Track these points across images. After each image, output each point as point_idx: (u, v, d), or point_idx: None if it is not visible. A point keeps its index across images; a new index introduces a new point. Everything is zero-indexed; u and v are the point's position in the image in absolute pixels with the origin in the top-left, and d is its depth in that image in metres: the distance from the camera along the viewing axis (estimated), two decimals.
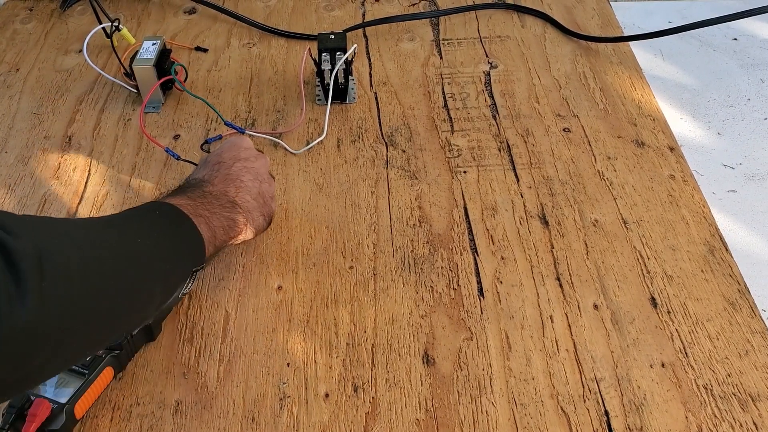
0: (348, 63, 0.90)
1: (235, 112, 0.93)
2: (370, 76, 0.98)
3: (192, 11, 1.11)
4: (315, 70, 0.93)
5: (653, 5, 1.11)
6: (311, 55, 0.92)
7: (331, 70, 0.90)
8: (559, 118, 0.90)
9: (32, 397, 0.56)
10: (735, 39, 1.01)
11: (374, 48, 1.03)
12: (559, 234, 0.75)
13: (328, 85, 0.91)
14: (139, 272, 0.52)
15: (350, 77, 0.93)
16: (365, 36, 1.06)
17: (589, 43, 1.02)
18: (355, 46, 0.90)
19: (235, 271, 0.72)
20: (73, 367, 0.59)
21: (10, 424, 0.54)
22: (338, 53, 0.89)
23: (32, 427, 0.54)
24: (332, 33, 0.91)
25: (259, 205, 0.68)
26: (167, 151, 0.84)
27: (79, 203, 0.80)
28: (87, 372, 0.59)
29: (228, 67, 1.00)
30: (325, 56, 0.89)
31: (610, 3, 1.12)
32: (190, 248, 0.59)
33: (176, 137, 0.89)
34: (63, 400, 0.57)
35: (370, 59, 1.01)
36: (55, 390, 0.57)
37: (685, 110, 0.88)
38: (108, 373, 0.61)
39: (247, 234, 0.67)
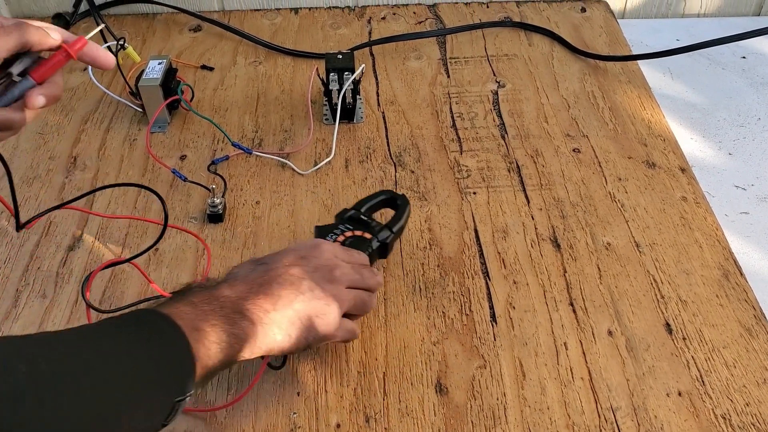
0: (356, 83, 0.90)
1: (242, 132, 0.92)
2: (378, 95, 0.97)
3: (197, 29, 1.11)
4: (322, 89, 0.92)
5: (660, 22, 1.11)
6: (319, 75, 0.91)
7: (339, 90, 0.89)
8: (569, 139, 0.89)
9: None
10: (743, 57, 1.00)
11: (381, 66, 1.03)
12: (572, 257, 0.74)
13: (336, 105, 0.90)
14: (100, 404, 0.42)
15: (358, 97, 0.93)
16: (372, 54, 1.05)
17: (598, 61, 1.02)
18: (362, 65, 0.90)
19: None
20: None
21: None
22: (346, 73, 0.89)
23: None
24: (340, 53, 0.91)
25: (293, 323, 0.56)
26: (174, 173, 0.83)
27: (84, 225, 0.79)
28: None
29: (234, 86, 0.99)
30: (333, 76, 0.89)
31: (617, 21, 1.11)
32: (174, 375, 0.48)
33: (183, 158, 0.88)
34: None
35: (377, 78, 1.00)
36: None
37: (695, 130, 0.87)
38: None
39: (251, 350, 0.54)
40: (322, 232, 0.68)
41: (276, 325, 0.55)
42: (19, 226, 0.65)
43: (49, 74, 0.56)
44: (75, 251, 0.76)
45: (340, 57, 0.90)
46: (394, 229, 0.69)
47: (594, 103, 0.95)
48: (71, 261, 0.75)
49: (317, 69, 0.91)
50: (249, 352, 0.54)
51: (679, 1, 1.15)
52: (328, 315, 0.57)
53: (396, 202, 0.72)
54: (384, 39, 1.05)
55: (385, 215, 0.71)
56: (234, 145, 0.86)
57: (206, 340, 0.50)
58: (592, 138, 0.89)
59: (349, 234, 0.67)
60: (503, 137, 0.90)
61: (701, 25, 1.12)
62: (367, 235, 0.67)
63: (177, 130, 0.92)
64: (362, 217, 0.69)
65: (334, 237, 0.67)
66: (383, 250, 0.68)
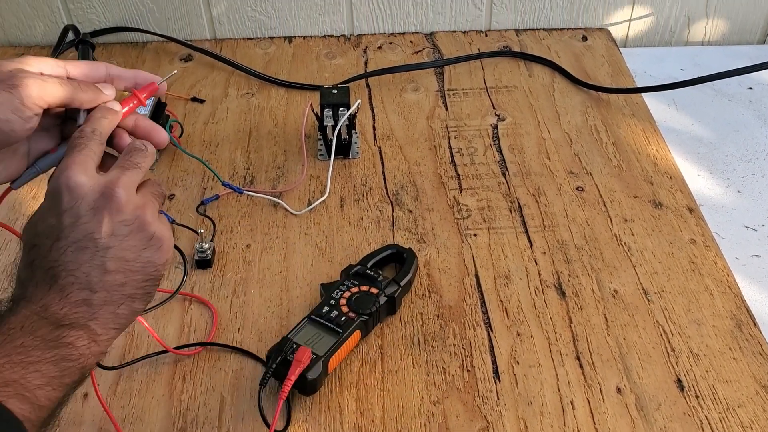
0: (351, 118, 0.87)
1: (233, 169, 0.89)
2: (374, 129, 0.94)
3: (188, 58, 1.08)
4: (316, 124, 0.89)
5: (664, 51, 1.09)
6: (313, 110, 0.88)
7: (334, 127, 0.86)
8: (572, 176, 0.86)
9: (295, 345, 0.61)
10: (750, 88, 0.98)
11: (377, 98, 1.00)
12: (577, 306, 0.71)
13: (331, 140, 0.87)
14: None
15: (354, 131, 0.90)
16: (368, 86, 1.02)
17: (600, 93, 0.99)
18: (359, 101, 0.87)
19: (231, 351, 0.68)
20: (329, 325, 0.64)
21: (277, 365, 0.60)
22: (341, 109, 0.86)
23: (297, 370, 0.59)
24: (335, 87, 0.88)
25: (120, 285, 0.46)
26: (162, 213, 0.79)
27: None
28: (341, 331, 0.63)
29: (226, 120, 0.96)
30: (328, 112, 0.86)
31: (620, 49, 1.09)
32: None
33: (171, 197, 0.84)
34: (321, 353, 0.61)
35: (373, 111, 0.97)
36: (314, 344, 0.62)
37: (703, 165, 0.84)
38: (356, 335, 0.65)
39: (100, 348, 0.46)
40: (327, 289, 0.69)
41: (110, 305, 0.45)
42: None
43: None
44: None
45: (335, 92, 0.87)
46: (402, 283, 0.68)
47: (597, 138, 0.92)
48: None
49: (311, 104, 0.88)
50: (99, 355, 0.46)
51: (683, 28, 1.13)
52: (151, 246, 0.47)
53: (402, 256, 0.72)
54: (380, 70, 1.02)
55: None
56: (224, 184, 0.82)
57: (27, 392, 0.41)
58: (595, 175, 0.86)
59: (355, 290, 0.67)
60: (504, 174, 0.87)
61: (706, 54, 1.09)
62: (374, 290, 0.67)
63: (165, 167, 0.88)
64: (368, 272, 0.69)
65: (340, 293, 0.67)
66: (391, 306, 0.67)
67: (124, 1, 1.08)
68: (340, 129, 0.86)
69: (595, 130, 0.93)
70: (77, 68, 0.52)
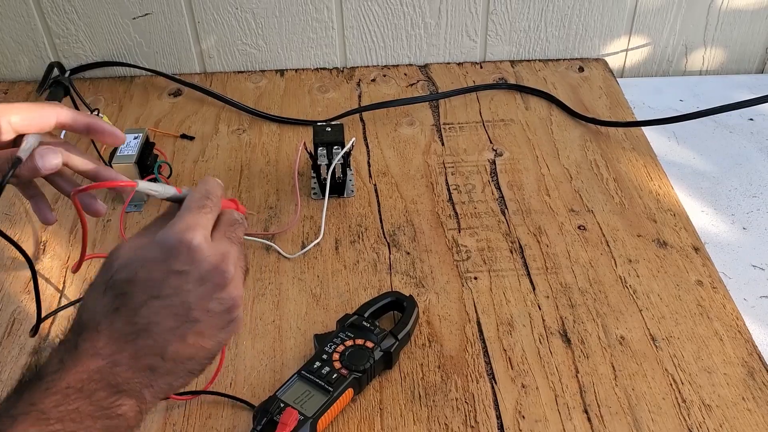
0: (346, 156, 0.84)
1: None
2: (369, 165, 0.92)
3: (177, 93, 1.05)
4: (310, 162, 0.86)
5: (662, 81, 1.07)
6: (306, 149, 0.86)
7: (328, 166, 0.84)
8: (573, 214, 0.84)
9: (282, 405, 0.58)
10: (751, 119, 0.96)
11: (372, 133, 0.97)
12: (584, 354, 0.68)
13: (325, 180, 0.84)
14: None
15: (348, 169, 0.87)
16: (362, 120, 1.00)
17: (599, 126, 0.97)
18: (353, 139, 0.84)
19: (223, 406, 0.65)
20: (320, 382, 0.61)
21: (263, 427, 0.57)
22: (335, 147, 0.83)
23: None
24: (328, 124, 0.85)
25: (188, 358, 0.45)
26: None
27: (51, 323, 0.72)
28: (332, 390, 0.60)
29: (216, 158, 0.93)
30: (322, 150, 0.83)
31: (617, 80, 1.07)
32: None
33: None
34: (309, 414, 0.58)
35: (368, 146, 0.95)
36: (302, 403, 0.59)
37: (706, 201, 0.82)
38: (349, 393, 0.62)
39: (141, 417, 0.44)
40: (321, 341, 0.66)
41: (170, 376, 0.44)
42: None
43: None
44: (42, 354, 0.69)
45: (329, 130, 0.85)
46: (399, 336, 0.65)
47: (597, 174, 0.90)
48: None
49: (305, 143, 0.86)
50: (137, 425, 0.43)
51: (681, 58, 1.11)
52: (229, 328, 0.46)
53: (402, 304, 0.68)
54: (374, 105, 1.00)
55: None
56: None
57: None
58: (597, 213, 0.84)
59: (349, 343, 0.64)
60: (503, 212, 0.84)
61: (705, 84, 1.08)
62: (369, 344, 0.64)
63: (154, 208, 0.86)
64: (365, 323, 0.66)
65: (333, 347, 0.64)
66: (387, 360, 0.64)
67: (110, 35, 1.06)
68: (334, 168, 0.83)
69: (595, 165, 0.91)
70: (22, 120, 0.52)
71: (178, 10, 1.04)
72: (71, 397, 0.40)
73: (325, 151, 0.83)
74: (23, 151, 0.50)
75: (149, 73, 1.07)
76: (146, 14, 1.04)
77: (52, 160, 0.50)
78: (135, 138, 0.85)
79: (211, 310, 0.45)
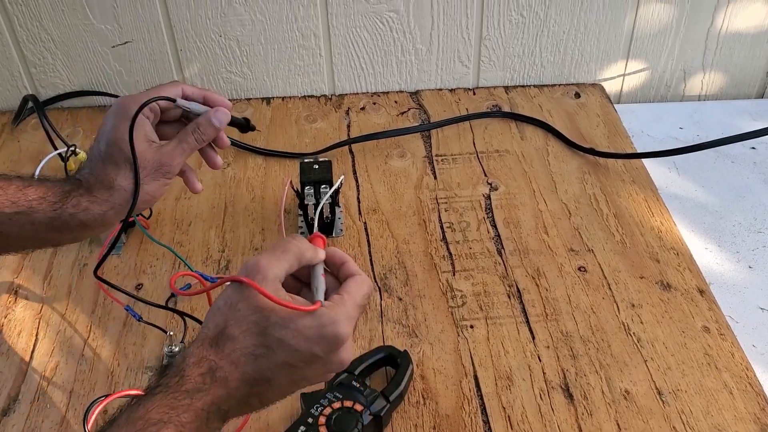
0: (335, 194, 0.80)
1: (207, 251, 0.82)
2: (359, 201, 0.88)
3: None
4: (297, 199, 0.83)
5: (660, 108, 1.04)
6: (293, 187, 0.82)
7: (316, 205, 0.80)
8: (573, 254, 0.80)
9: None
10: (753, 148, 0.93)
11: (361, 166, 0.93)
12: (587, 411, 0.65)
13: (312, 220, 0.80)
14: None
15: (337, 207, 0.83)
16: (351, 152, 0.96)
17: (597, 158, 0.94)
18: (342, 177, 0.81)
19: None
20: None
21: None
22: (323, 186, 0.79)
23: None
24: (316, 161, 0.82)
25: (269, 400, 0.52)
26: (127, 310, 0.73)
27: (22, 382, 0.68)
28: None
29: (199, 194, 0.89)
30: (309, 190, 0.79)
31: (614, 106, 1.04)
32: None
33: (139, 287, 0.77)
34: None
35: (357, 180, 0.91)
36: None
37: (709, 237, 0.79)
38: None
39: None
40: (308, 401, 0.61)
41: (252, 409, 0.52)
42: None
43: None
44: (9, 416, 0.65)
45: (317, 167, 0.81)
46: (391, 398, 0.60)
47: (597, 209, 0.86)
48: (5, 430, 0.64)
49: (291, 181, 0.82)
50: None
51: (679, 82, 1.08)
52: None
53: (396, 360, 0.64)
54: (364, 136, 0.96)
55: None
56: (196, 273, 0.75)
57: None
58: (598, 253, 0.80)
59: (337, 405, 0.60)
60: (500, 252, 0.81)
61: (704, 110, 1.05)
62: (358, 407, 0.60)
63: (133, 251, 0.81)
64: (354, 382, 0.61)
65: (320, 409, 0.60)
66: (378, 425, 0.60)
67: (89, 64, 1.01)
68: (322, 208, 0.80)
69: (594, 199, 0.88)
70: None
71: (159, 38, 1.00)
72: (201, 417, 0.46)
73: (312, 191, 0.79)
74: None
75: None
76: (126, 42, 1.00)
77: (223, 116, 0.66)
78: None
79: (322, 375, 0.52)
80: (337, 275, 0.54)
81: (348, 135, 0.99)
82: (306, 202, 0.80)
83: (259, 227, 0.85)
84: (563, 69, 1.06)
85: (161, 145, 0.63)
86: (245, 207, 0.88)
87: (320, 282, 0.52)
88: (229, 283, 0.50)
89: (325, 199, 0.79)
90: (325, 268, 0.54)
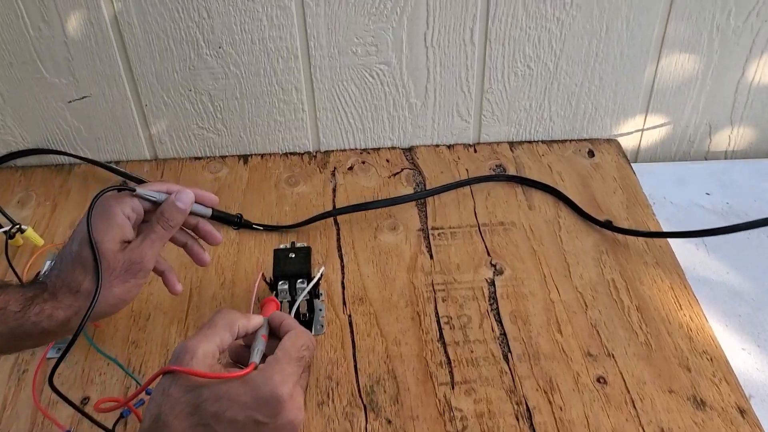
0: (314, 287, 0.69)
1: (166, 353, 0.71)
2: (343, 288, 0.77)
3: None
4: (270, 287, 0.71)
5: (684, 169, 0.93)
6: (265, 280, 0.71)
7: (291, 302, 0.69)
8: (590, 360, 0.69)
9: None
10: None
11: (347, 242, 0.82)
12: None
13: (289, 312, 0.69)
14: None
15: (317, 300, 0.72)
16: (336, 224, 0.85)
17: (616, 233, 0.82)
18: (322, 269, 0.70)
19: None
20: None
21: None
22: (300, 281, 0.68)
23: None
24: (292, 248, 0.71)
25: None
26: None
27: None
28: None
29: (160, 279, 0.78)
30: (283, 285, 0.68)
31: (632, 166, 0.93)
32: None
33: (85, 401, 0.66)
34: None
35: (342, 260, 0.80)
36: None
37: (746, 335, 0.69)
38: None
39: None
40: None
41: None
42: None
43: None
44: None
45: (293, 256, 0.70)
46: None
47: (617, 300, 0.75)
48: None
49: (263, 274, 0.71)
50: None
51: (704, 138, 0.97)
52: None
53: None
54: (351, 207, 0.85)
55: None
56: (148, 393, 0.64)
57: None
58: (619, 358, 0.69)
59: None
60: (506, 358, 0.69)
61: (733, 172, 0.93)
62: None
63: (81, 354, 0.70)
64: None
65: None
66: None
67: (44, 120, 0.90)
68: (298, 306, 0.68)
69: (614, 287, 0.76)
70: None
71: (121, 92, 0.89)
72: None
73: (286, 286, 0.68)
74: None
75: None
76: (84, 97, 0.89)
77: (186, 196, 0.61)
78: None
79: None
80: (280, 337, 0.53)
81: (333, 201, 0.88)
82: (280, 299, 0.69)
83: None
84: (575, 123, 0.95)
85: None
86: (213, 295, 0.76)
87: (258, 342, 0.52)
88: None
89: (301, 297, 0.68)
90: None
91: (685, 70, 0.90)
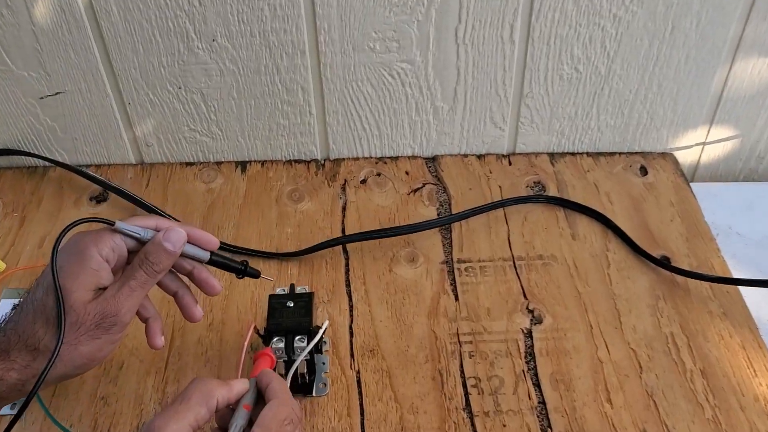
0: (318, 343, 0.57)
1: (140, 413, 0.60)
2: (351, 334, 0.65)
3: (101, 199, 0.78)
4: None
5: (752, 190, 0.81)
6: (257, 332, 0.59)
7: (287, 363, 0.57)
8: None
9: None
10: None
11: (358, 276, 0.70)
12: None
13: (285, 376, 0.58)
14: None
15: (319, 354, 0.61)
16: (345, 252, 0.73)
17: (675, 274, 0.70)
18: (325, 324, 0.58)
19: None
20: None
21: None
22: (299, 338, 0.57)
23: None
24: (291, 295, 0.59)
25: None
26: None
27: None
28: None
29: (135, 322, 0.66)
30: (278, 342, 0.56)
31: (690, 186, 0.79)
32: None
33: None
34: None
35: (351, 299, 0.68)
36: None
37: None
38: None
39: None
40: None
41: None
42: None
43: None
44: None
45: (291, 306, 0.58)
46: None
47: (677, 361, 0.63)
48: None
49: (255, 326, 0.59)
50: None
51: None
52: None
53: None
54: (362, 234, 0.73)
55: None
56: None
57: None
58: None
59: None
60: None
61: None
62: None
63: (38, 413, 0.59)
64: None
65: None
66: None
67: (12, 117, 0.79)
68: (297, 369, 0.57)
69: (673, 343, 0.64)
70: None
71: (100, 88, 0.76)
72: None
73: (282, 344, 0.56)
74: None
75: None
76: (57, 93, 0.77)
77: (177, 236, 0.51)
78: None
79: None
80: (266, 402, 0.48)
81: (343, 223, 0.75)
82: (277, 358, 0.57)
83: (214, 375, 0.62)
84: (626, 135, 0.82)
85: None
86: (198, 339, 0.65)
87: (238, 417, 0.47)
88: None
89: (299, 360, 0.56)
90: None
91: (762, 77, 0.76)
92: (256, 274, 0.57)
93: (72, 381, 0.61)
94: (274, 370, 0.58)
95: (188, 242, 0.53)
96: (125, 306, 0.49)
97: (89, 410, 0.60)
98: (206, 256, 0.54)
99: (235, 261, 0.57)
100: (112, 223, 0.51)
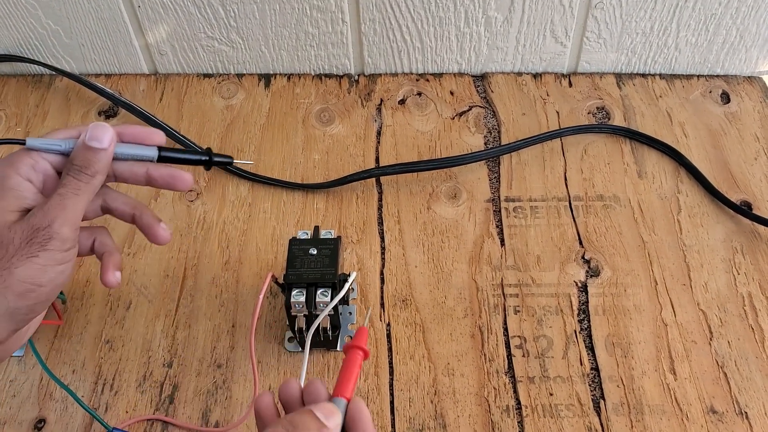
0: (345, 295, 0.51)
1: (147, 364, 0.54)
2: (382, 280, 0.58)
3: (111, 114, 0.71)
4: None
5: None
6: (276, 281, 0.52)
7: (308, 318, 0.50)
8: (714, 420, 0.50)
9: None
10: None
11: (391, 212, 0.63)
12: None
13: (303, 333, 0.52)
14: None
15: (345, 306, 0.54)
16: (379, 184, 0.65)
17: (755, 223, 0.60)
18: (353, 276, 0.50)
19: None
20: None
21: None
22: (322, 291, 0.50)
23: None
24: (314, 240, 0.52)
25: None
26: None
27: None
28: None
29: (148, 250, 0.60)
30: (298, 295, 0.50)
31: None
32: None
33: (39, 425, 0.51)
34: None
35: (383, 239, 0.61)
36: None
37: None
38: None
39: None
40: None
41: None
42: None
43: None
44: None
45: (314, 254, 0.51)
46: None
47: (754, 327, 0.55)
48: None
49: (273, 275, 0.52)
50: None
51: None
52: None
53: None
54: (400, 167, 0.64)
55: None
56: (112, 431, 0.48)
57: None
58: (756, 419, 0.50)
59: None
60: (597, 408, 0.51)
61: None
62: None
63: (40, 355, 0.54)
64: None
65: None
66: None
67: (11, 19, 0.70)
68: (319, 325, 0.50)
69: (751, 306, 0.56)
70: None
71: None
72: None
73: (302, 296, 0.50)
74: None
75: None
76: None
77: (101, 132, 0.43)
78: None
79: None
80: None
81: (377, 150, 0.67)
82: (293, 313, 0.50)
83: (229, 322, 0.56)
84: (708, 55, 0.71)
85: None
86: (213, 279, 0.59)
87: None
88: None
89: (323, 315, 0.49)
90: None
91: None
92: (227, 162, 0.48)
93: (76, 318, 0.56)
94: (295, 325, 0.51)
95: (128, 142, 0.44)
96: (59, 216, 0.42)
97: (93, 355, 0.54)
98: (153, 153, 0.45)
99: (195, 150, 0.47)
100: (22, 142, 0.43)
